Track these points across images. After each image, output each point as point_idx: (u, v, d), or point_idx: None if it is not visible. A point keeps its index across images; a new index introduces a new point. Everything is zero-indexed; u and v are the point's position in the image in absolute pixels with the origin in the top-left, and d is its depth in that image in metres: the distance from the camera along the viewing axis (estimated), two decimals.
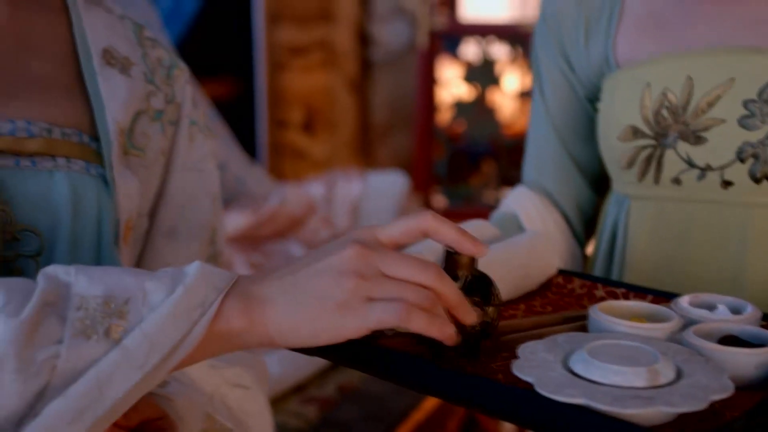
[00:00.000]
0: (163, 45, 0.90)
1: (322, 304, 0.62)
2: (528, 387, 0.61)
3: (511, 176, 4.18)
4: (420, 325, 0.63)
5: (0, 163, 0.74)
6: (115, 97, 0.81)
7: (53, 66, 0.81)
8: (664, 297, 0.83)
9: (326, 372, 1.97)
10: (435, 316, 0.63)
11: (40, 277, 0.62)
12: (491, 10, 4.77)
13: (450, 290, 0.65)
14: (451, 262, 0.70)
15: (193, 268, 0.64)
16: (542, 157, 1.07)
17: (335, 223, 2.55)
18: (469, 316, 0.67)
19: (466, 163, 4.25)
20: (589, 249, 1.10)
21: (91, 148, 0.79)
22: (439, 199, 4.22)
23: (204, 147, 0.90)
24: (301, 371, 1.90)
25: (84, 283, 0.62)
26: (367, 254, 0.63)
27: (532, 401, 0.60)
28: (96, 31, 0.83)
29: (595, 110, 1.02)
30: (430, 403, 1.95)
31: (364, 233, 0.66)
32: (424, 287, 0.64)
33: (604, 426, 0.58)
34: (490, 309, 0.72)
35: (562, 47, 1.02)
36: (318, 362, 1.95)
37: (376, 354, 0.68)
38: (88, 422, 0.60)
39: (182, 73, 0.90)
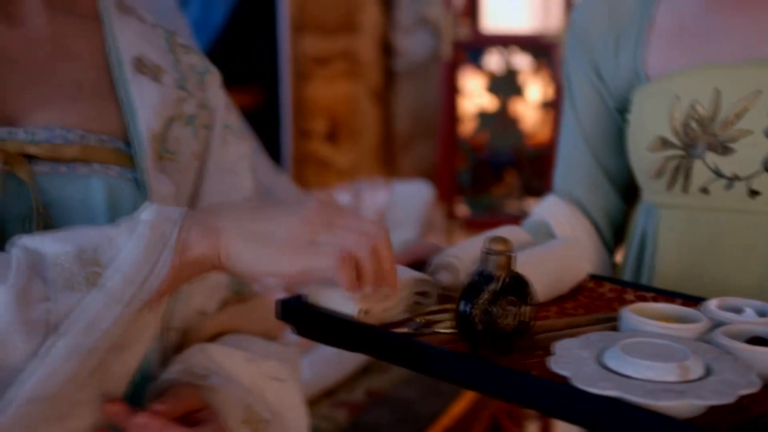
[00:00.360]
0: (196, 51, 0.93)
1: (269, 241, 0.70)
2: (563, 381, 0.65)
3: (533, 186, 4.20)
4: (346, 278, 0.69)
5: (39, 169, 0.77)
6: (146, 104, 0.84)
7: (87, 73, 0.84)
8: (692, 301, 0.86)
9: (356, 377, 2.01)
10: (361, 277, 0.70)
11: (11, 248, 0.68)
12: (513, 21, 4.80)
13: (387, 254, 0.71)
14: (489, 262, 0.74)
15: (148, 210, 0.71)
16: (572, 167, 1.10)
17: None
18: (393, 288, 0.73)
19: (489, 173, 4.28)
20: (618, 256, 1.13)
21: (125, 153, 0.82)
22: (462, 209, 4.25)
23: (238, 150, 0.93)
24: (331, 376, 1.94)
25: (52, 244, 0.68)
26: (325, 210, 0.70)
27: (568, 394, 0.64)
28: (128, 40, 0.87)
29: (625, 121, 1.05)
30: (458, 408, 1.98)
31: (326, 197, 0.72)
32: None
33: (636, 417, 0.61)
34: (526, 308, 0.76)
35: (593, 60, 1.06)
36: (347, 367, 1.99)
37: (418, 350, 0.72)
38: (82, 356, 0.67)
39: (215, 78, 0.92)
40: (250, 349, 0.90)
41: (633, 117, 1.02)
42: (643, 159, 1.00)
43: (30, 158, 0.77)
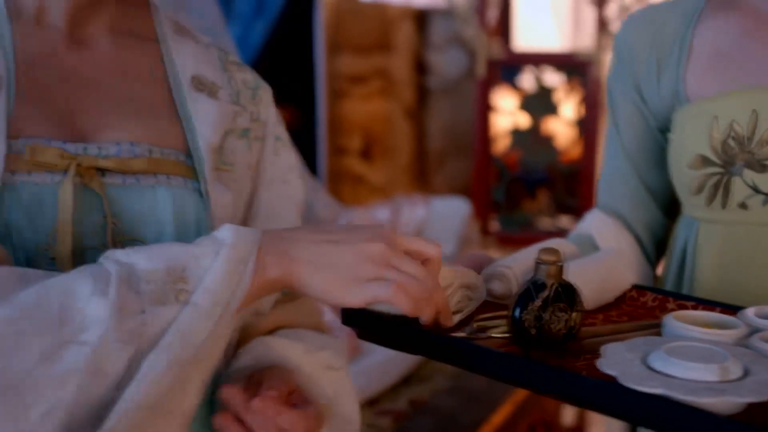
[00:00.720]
0: (248, 68, 0.99)
1: (337, 272, 0.76)
2: (611, 381, 0.71)
3: (566, 203, 4.24)
4: (406, 304, 0.76)
5: (109, 181, 0.83)
6: (205, 120, 0.90)
7: (150, 92, 0.90)
8: (731, 309, 0.91)
9: (398, 386, 2.06)
10: (419, 300, 0.77)
11: (108, 262, 0.73)
12: (543, 40, 4.84)
13: (440, 295, 0.79)
14: (541, 271, 0.80)
15: (227, 232, 0.76)
16: (616, 184, 1.16)
17: None
18: (448, 321, 0.82)
19: (523, 190, 4.32)
20: (659, 269, 1.18)
21: (187, 165, 0.88)
22: (495, 225, 4.30)
23: (288, 160, 0.99)
24: (374, 385, 2.00)
25: (144, 260, 0.73)
26: (388, 252, 0.76)
27: (617, 392, 0.70)
28: (185, 60, 0.93)
29: (666, 140, 1.10)
30: (497, 418, 2.03)
31: (389, 234, 0.78)
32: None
33: (681, 413, 0.67)
34: (574, 314, 0.81)
35: (636, 82, 1.12)
36: (390, 377, 2.05)
37: (477, 352, 0.78)
38: (179, 368, 0.72)
39: (266, 93, 0.98)
40: (305, 341, 0.96)
41: (674, 136, 1.07)
42: (684, 176, 1.05)
43: (101, 172, 0.83)
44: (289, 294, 1.00)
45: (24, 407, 0.67)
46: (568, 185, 4.22)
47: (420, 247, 0.79)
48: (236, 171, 0.93)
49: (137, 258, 0.73)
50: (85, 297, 0.70)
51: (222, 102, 0.92)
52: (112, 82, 0.88)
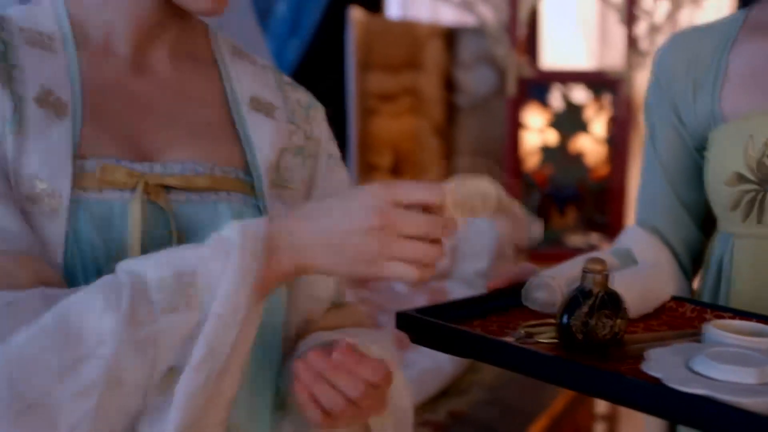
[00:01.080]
0: (301, 88, 1.03)
1: (343, 252, 0.78)
2: (656, 383, 0.76)
3: (595, 220, 4.27)
4: (429, 274, 0.78)
5: (174, 198, 0.88)
6: (262, 139, 0.95)
7: (210, 113, 0.95)
8: (766, 320, 0.96)
9: (437, 398, 2.10)
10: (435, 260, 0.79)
11: (122, 273, 0.77)
12: (570, 58, 4.87)
13: (450, 225, 0.79)
14: (588, 280, 0.86)
15: (233, 231, 0.78)
16: (654, 200, 1.21)
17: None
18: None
19: (552, 207, 4.35)
20: (695, 283, 1.23)
21: (246, 182, 0.93)
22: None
23: (340, 176, 1.03)
24: (414, 397, 2.04)
25: (153, 269, 0.77)
26: (390, 219, 0.77)
27: (662, 393, 0.75)
28: (243, 81, 0.97)
29: (703, 158, 1.15)
30: (535, 429, 2.07)
31: (385, 195, 0.78)
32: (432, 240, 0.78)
33: (723, 412, 0.72)
34: (619, 321, 0.87)
35: (673, 103, 1.17)
36: (429, 388, 2.10)
37: (529, 356, 0.83)
38: (210, 384, 0.76)
39: (318, 111, 1.03)
40: (358, 336, 0.96)
41: (711, 155, 1.12)
42: (720, 193, 1.10)
43: (167, 189, 0.87)
44: (336, 304, 1.03)
45: (51, 424, 0.72)
46: (598, 202, 4.24)
47: (419, 197, 0.78)
48: (292, 187, 0.97)
49: (146, 266, 0.77)
50: (99, 312, 0.74)
51: (278, 121, 0.97)
52: (174, 105, 0.93)
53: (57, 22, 0.91)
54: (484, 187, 0.73)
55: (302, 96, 1.02)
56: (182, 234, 0.87)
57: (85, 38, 0.92)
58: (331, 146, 1.03)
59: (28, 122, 0.84)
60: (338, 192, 1.02)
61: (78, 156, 0.85)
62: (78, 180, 0.84)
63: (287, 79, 1.03)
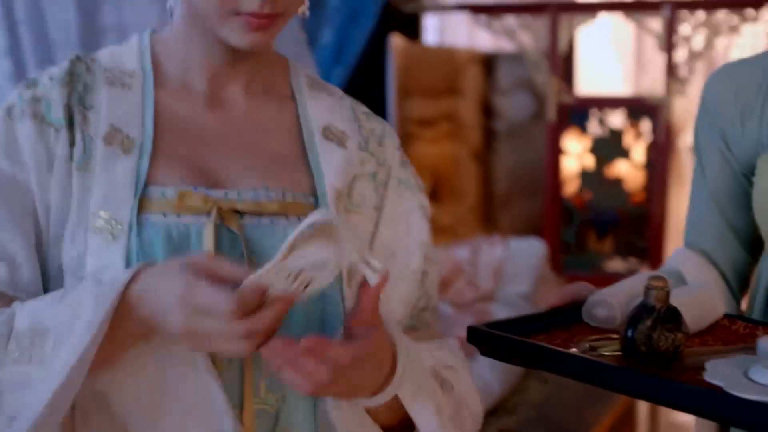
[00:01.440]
0: (376, 117, 1.08)
1: (193, 335, 0.83)
2: (719, 390, 0.82)
3: (634, 245, 4.29)
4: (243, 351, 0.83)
5: (246, 222, 0.94)
6: (332, 166, 1.00)
7: (282, 143, 1.01)
8: None
9: (486, 417, 2.15)
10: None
11: (8, 310, 0.87)
12: (606, 84, 4.91)
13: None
14: (650, 296, 0.92)
15: (86, 293, 0.85)
16: (702, 223, 1.26)
17: (479, 284, 2.77)
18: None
19: (592, 232, 4.38)
20: (743, 305, 1.28)
21: (315, 207, 0.98)
22: (566, 266, 4.34)
23: (411, 202, 1.06)
24: None
25: (20, 317, 0.86)
26: (192, 309, 0.81)
27: (724, 400, 0.81)
28: (318, 112, 1.03)
29: (750, 184, 1.21)
30: None
31: (188, 279, 0.82)
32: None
33: None
34: (680, 335, 0.93)
35: (721, 130, 1.23)
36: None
37: (597, 367, 0.90)
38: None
39: (391, 139, 1.07)
40: (423, 342, 1.02)
41: (758, 180, 1.17)
42: (767, 216, 1.16)
43: (240, 214, 0.93)
44: (411, 327, 1.05)
45: None
46: (636, 227, 4.27)
47: (225, 274, 0.82)
48: (363, 212, 1.02)
49: (19, 312, 0.87)
50: None
51: (350, 150, 1.02)
52: (247, 136, 0.99)
53: (140, 60, 0.99)
54: (322, 256, 0.74)
55: (377, 125, 1.07)
56: (253, 256, 0.92)
57: (164, 76, 0.99)
58: (404, 172, 1.07)
59: (95, 160, 0.93)
60: (407, 217, 1.05)
61: (153, 183, 0.93)
62: (160, 205, 0.92)
63: (364, 109, 1.08)
